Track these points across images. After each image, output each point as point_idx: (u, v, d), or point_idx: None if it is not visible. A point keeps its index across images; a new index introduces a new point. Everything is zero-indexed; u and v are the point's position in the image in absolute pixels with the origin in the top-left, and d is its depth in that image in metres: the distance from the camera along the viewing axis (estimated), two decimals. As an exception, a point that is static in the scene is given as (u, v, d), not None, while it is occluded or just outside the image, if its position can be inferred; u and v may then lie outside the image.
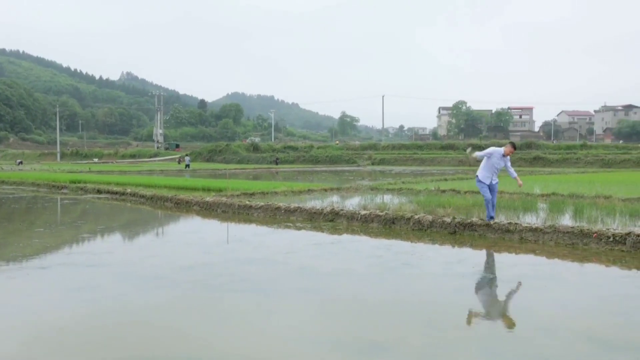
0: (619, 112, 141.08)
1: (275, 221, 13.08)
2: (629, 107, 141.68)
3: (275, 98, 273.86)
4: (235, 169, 45.34)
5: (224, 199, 15.77)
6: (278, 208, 14.08)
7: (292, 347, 4.93)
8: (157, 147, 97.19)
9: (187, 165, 47.87)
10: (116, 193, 20.66)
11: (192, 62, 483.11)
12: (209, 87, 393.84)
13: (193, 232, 12.67)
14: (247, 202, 15.00)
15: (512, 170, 11.44)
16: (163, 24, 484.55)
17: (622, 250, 9.00)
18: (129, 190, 20.34)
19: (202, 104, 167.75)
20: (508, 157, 11.15)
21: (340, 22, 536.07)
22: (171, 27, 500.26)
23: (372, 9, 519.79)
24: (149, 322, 5.71)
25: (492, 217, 11.00)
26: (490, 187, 11.05)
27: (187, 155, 64.93)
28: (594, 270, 7.95)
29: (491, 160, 11.04)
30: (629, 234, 9.22)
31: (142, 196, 18.90)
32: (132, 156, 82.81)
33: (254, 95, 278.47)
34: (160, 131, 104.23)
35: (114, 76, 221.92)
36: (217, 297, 6.60)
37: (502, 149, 11.11)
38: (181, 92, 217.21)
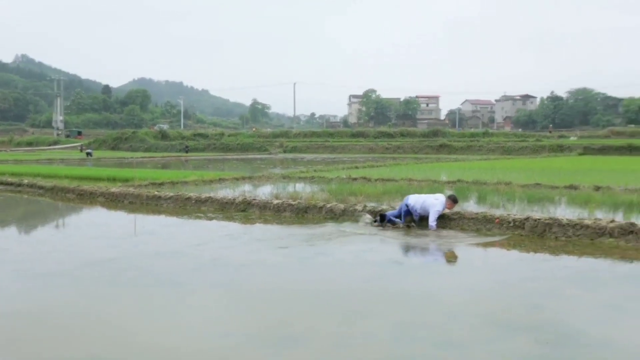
0: (517, 102, 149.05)
1: (185, 212, 12.82)
2: (526, 97, 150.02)
3: (185, 84, 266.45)
4: (142, 157, 43.83)
5: (131, 190, 15.23)
6: (188, 198, 13.80)
7: (202, 340, 4.88)
8: (57, 135, 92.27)
9: (89, 154, 45.77)
10: (11, 184, 19.30)
11: (95, 46, 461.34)
12: (113, 72, 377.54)
13: (98, 224, 12.18)
14: (156, 193, 14.58)
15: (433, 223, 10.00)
16: (62, 5, 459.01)
17: (522, 235, 9.52)
18: (26, 181, 19.07)
19: (107, 89, 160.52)
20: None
21: (249, 8, 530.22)
22: (72, 8, 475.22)
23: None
24: (49, 321, 5.48)
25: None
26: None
27: (84, 145, 62.41)
28: (497, 255, 8.40)
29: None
30: (527, 218, 9.77)
31: (41, 187, 17.82)
32: (29, 144, 78.03)
33: (162, 81, 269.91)
34: (61, 118, 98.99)
35: (7, 59, 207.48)
36: (123, 293, 6.39)
37: (442, 204, 10.09)
38: (83, 76, 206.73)
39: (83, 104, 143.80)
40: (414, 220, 10.29)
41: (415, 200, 10.26)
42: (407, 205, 10.27)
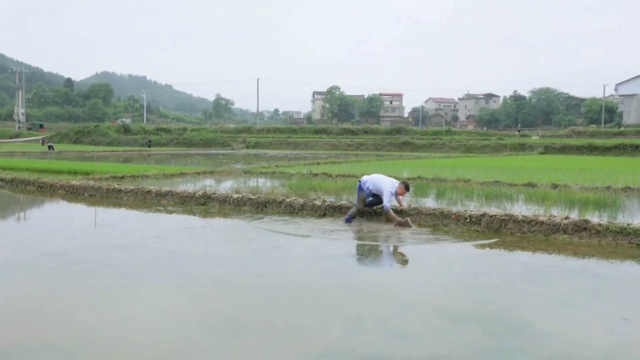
0: (480, 100, 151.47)
1: (145, 205, 12.68)
2: (489, 96, 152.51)
3: (148, 79, 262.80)
4: (104, 151, 43.14)
5: (91, 183, 14.99)
6: (149, 192, 13.65)
7: (158, 331, 4.89)
8: (19, 128, 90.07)
9: (51, 147, 44.81)
10: (-31, 177, 18.83)
11: (58, 39, 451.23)
12: (76, 66, 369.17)
13: (58, 217, 12.01)
14: (116, 186, 14.39)
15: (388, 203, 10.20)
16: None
17: (477, 231, 9.69)
18: (-16, 174, 18.63)
19: (69, 82, 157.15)
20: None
21: (214, 4, 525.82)
22: (30, 1, 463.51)
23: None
24: (2, 310, 5.41)
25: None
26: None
27: (46, 138, 60.98)
28: (452, 250, 8.53)
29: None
30: (483, 215, 9.95)
31: (1, 179, 17.46)
32: (-10, 137, 76.00)
33: (125, 75, 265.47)
34: (22, 110, 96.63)
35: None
36: (81, 284, 6.35)
37: (393, 185, 10.26)
38: (45, 69, 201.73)
39: (45, 97, 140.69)
40: (364, 201, 10.48)
41: (369, 178, 10.50)
42: (359, 182, 10.56)
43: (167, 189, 13.71)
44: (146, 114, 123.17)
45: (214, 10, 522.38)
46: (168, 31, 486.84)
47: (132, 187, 14.06)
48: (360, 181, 10.61)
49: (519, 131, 66.78)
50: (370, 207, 10.71)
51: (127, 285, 6.29)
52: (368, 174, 10.87)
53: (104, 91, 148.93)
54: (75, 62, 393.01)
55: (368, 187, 10.38)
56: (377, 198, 10.42)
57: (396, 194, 10.37)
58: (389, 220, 10.13)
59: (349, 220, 10.36)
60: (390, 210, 10.13)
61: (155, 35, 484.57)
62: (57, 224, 10.82)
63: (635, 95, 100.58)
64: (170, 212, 11.66)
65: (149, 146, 55.98)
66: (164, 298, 5.92)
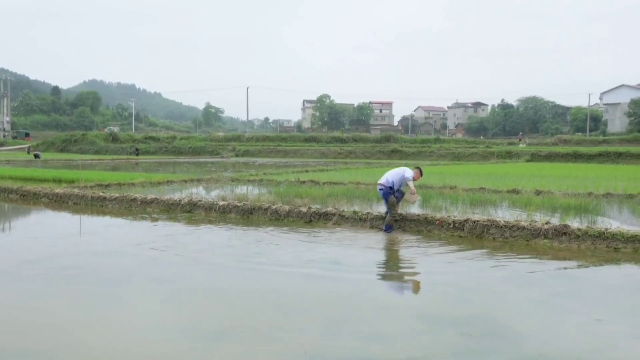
0: (469, 109, 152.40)
1: (130, 213, 12.66)
2: (477, 104, 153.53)
3: (137, 87, 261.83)
4: (92, 159, 42.94)
5: (75, 191, 14.94)
6: (134, 199, 13.63)
7: (139, 337, 4.92)
8: (4, 136, 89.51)
9: (37, 156, 44.53)
10: (-48, 185, 18.68)
11: (45, 47, 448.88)
12: (63, 74, 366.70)
13: (41, 224, 11.98)
14: (101, 194, 14.35)
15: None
16: (11, 5, 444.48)
17: (461, 236, 9.78)
18: (-33, 182, 18.49)
19: (56, 90, 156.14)
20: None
21: (205, 12, 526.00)
22: (21, 8, 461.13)
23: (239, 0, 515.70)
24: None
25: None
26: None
27: (32, 147, 60.59)
28: (434, 254, 8.61)
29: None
30: (466, 220, 10.05)
31: (-16, 188, 17.28)
32: (-26, 146, 75.39)
33: (114, 83, 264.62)
34: (7, 119, 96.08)
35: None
36: (62, 291, 6.37)
37: (411, 172, 10.64)
38: (32, 77, 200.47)
39: (31, 105, 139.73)
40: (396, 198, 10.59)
41: (390, 178, 10.60)
42: (382, 187, 10.58)
43: (153, 196, 13.69)
44: (135, 122, 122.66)
45: (204, 19, 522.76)
46: (158, 39, 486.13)
47: (117, 195, 14.04)
48: (382, 186, 10.58)
49: (520, 139, 67.16)
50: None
51: (108, 292, 6.29)
52: (379, 180, 10.91)
53: (92, 99, 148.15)
54: (62, 70, 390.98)
55: (396, 186, 10.51)
56: (401, 193, 10.65)
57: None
58: (407, 199, 10.57)
59: (388, 230, 10.34)
60: (411, 184, 10.47)
61: (144, 43, 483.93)
62: (39, 231, 10.79)
63: (619, 104, 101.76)
64: (155, 220, 11.65)
65: (137, 154, 55.75)
66: (145, 304, 5.93)
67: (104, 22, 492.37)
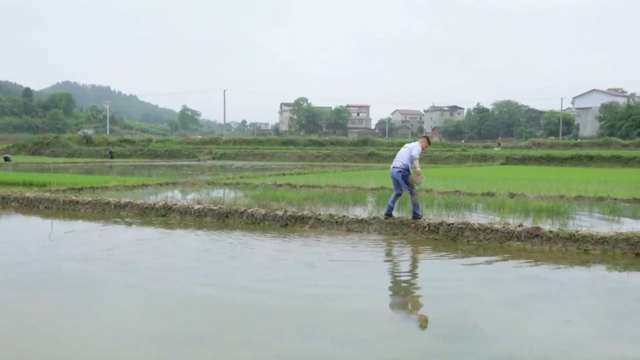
0: (445, 113, 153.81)
1: (104, 217, 12.50)
2: (453, 108, 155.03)
3: (112, 89, 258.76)
4: (64, 162, 42.31)
5: (47, 195, 14.70)
6: (107, 203, 13.46)
7: (109, 343, 4.84)
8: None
9: (7, 159, 43.69)
10: None
11: (16, 47, 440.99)
12: (36, 75, 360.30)
13: (10, 229, 11.76)
14: (74, 198, 14.14)
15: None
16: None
17: (436, 239, 9.85)
18: None
19: (28, 92, 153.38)
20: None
21: (181, 14, 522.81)
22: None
23: (216, 2, 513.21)
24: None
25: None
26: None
27: (2, 150, 59.42)
28: (409, 257, 8.66)
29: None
30: (441, 223, 10.14)
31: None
32: (-58, 148, 73.67)
33: (88, 84, 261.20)
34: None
35: None
36: (29, 296, 6.24)
37: (419, 145, 10.68)
38: (2, 78, 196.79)
39: (1, 107, 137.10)
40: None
41: (404, 159, 10.55)
42: (395, 171, 10.57)
43: (127, 200, 13.54)
44: (110, 125, 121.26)
45: (182, 21, 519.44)
46: (133, 40, 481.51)
47: (90, 199, 13.85)
48: (400, 168, 10.53)
49: (499, 144, 67.91)
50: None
51: (77, 297, 6.20)
52: (393, 164, 10.79)
53: (65, 101, 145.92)
54: (34, 71, 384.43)
55: (407, 164, 10.47)
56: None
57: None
58: (413, 179, 10.44)
59: (417, 211, 10.53)
60: (418, 167, 10.39)
61: (120, 45, 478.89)
62: (8, 236, 10.60)
63: (590, 108, 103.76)
64: (129, 224, 11.53)
65: (111, 157, 55.11)
66: (116, 310, 5.85)
67: (78, 22, 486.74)
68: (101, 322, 5.42)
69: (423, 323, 5.49)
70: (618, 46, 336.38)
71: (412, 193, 10.54)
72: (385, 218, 10.67)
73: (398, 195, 10.81)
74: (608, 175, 26.46)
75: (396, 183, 10.74)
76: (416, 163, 10.40)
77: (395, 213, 11.80)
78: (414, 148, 10.56)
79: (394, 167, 10.73)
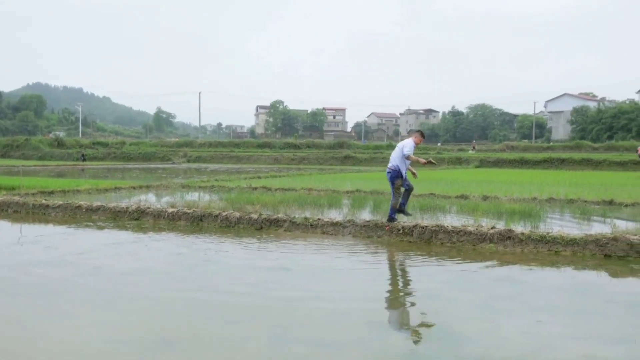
0: (421, 116, 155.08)
1: (75, 221, 12.31)
2: (429, 111, 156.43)
3: (85, 90, 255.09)
4: (35, 165, 41.54)
5: (16, 198, 14.41)
6: (79, 207, 13.25)
7: (79, 349, 4.76)
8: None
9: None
10: None
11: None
12: (5, 76, 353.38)
13: (-24, 234, 11.45)
14: (44, 201, 13.89)
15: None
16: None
17: (410, 242, 9.90)
18: None
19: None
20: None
21: (154, 15, 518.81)
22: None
23: (193, 4, 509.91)
24: None
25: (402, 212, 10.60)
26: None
27: None
28: (385, 260, 8.69)
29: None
30: (415, 226, 10.19)
31: None
32: None
33: (60, 86, 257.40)
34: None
35: None
36: (-3, 303, 6.08)
37: (411, 141, 10.47)
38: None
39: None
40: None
41: (396, 160, 10.33)
42: (392, 170, 10.35)
43: (99, 203, 13.35)
44: (82, 128, 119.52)
45: (155, 21, 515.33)
46: (106, 42, 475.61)
47: (60, 203, 13.62)
48: (390, 169, 10.40)
49: (474, 147, 68.65)
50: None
51: (46, 302, 6.09)
52: (387, 164, 10.64)
53: (36, 103, 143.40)
54: (3, 73, 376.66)
55: (403, 169, 10.30)
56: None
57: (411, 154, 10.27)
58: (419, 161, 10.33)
59: (392, 215, 10.41)
60: (412, 155, 10.18)
61: (92, 46, 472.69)
62: (-25, 241, 10.35)
63: (562, 112, 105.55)
64: (101, 228, 11.37)
65: (83, 160, 54.35)
66: (86, 314, 5.75)
67: (49, 23, 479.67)
68: (71, 327, 5.33)
69: (397, 325, 5.52)
70: (589, 52, 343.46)
71: (393, 196, 10.49)
72: (403, 214, 10.47)
73: (407, 191, 10.57)
74: (579, 178, 26.93)
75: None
76: (412, 158, 10.18)
77: (369, 216, 11.85)
78: (405, 146, 10.31)
79: (387, 168, 10.62)
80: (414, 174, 10.55)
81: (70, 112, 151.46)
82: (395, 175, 10.33)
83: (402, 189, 10.46)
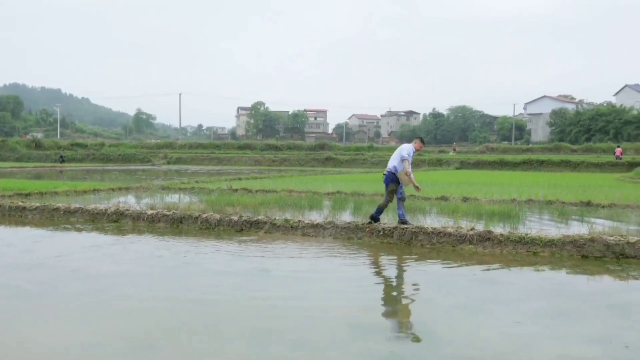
0: (402, 117, 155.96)
1: (53, 223, 12.14)
2: (410, 113, 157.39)
3: (63, 91, 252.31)
4: (12, 167, 40.94)
5: (-8, 200, 14.17)
6: (57, 209, 13.08)
7: (56, 351, 4.71)
8: None
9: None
10: None
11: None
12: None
13: (-49, 237, 11.21)
14: (21, 203, 13.69)
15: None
16: None
17: (390, 243, 9.93)
18: None
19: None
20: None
21: (135, 16, 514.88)
22: None
23: (174, 6, 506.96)
24: None
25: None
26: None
27: None
28: (364, 262, 8.70)
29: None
30: (395, 228, 10.23)
31: None
32: None
33: (38, 87, 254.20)
34: None
35: None
36: (-29, 308, 5.96)
37: (411, 146, 10.49)
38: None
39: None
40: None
41: (395, 162, 10.31)
42: (394, 170, 10.25)
43: (77, 206, 13.19)
44: (60, 129, 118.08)
45: (136, 23, 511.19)
46: (85, 42, 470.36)
47: (38, 205, 13.43)
48: (387, 172, 10.36)
49: (454, 149, 69.07)
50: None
51: (21, 306, 5.99)
52: (386, 166, 10.52)
53: (13, 104, 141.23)
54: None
55: (399, 170, 10.20)
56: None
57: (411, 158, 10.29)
58: (401, 179, 10.15)
59: (377, 214, 10.44)
60: (409, 168, 10.12)
61: (71, 47, 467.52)
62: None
63: (541, 114, 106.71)
64: (79, 230, 11.23)
65: (62, 162, 53.67)
66: (63, 319, 5.67)
67: (27, 22, 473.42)
68: (47, 331, 5.25)
69: (376, 326, 5.51)
70: (569, 56, 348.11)
71: (385, 199, 10.47)
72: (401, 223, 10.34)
73: (400, 200, 10.53)
74: (558, 179, 27.27)
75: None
76: (406, 164, 10.12)
77: (349, 217, 11.87)
78: (404, 149, 10.34)
79: (385, 171, 10.59)
80: (417, 187, 10.42)
81: (49, 113, 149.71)
82: (391, 179, 10.33)
83: (395, 196, 10.44)
